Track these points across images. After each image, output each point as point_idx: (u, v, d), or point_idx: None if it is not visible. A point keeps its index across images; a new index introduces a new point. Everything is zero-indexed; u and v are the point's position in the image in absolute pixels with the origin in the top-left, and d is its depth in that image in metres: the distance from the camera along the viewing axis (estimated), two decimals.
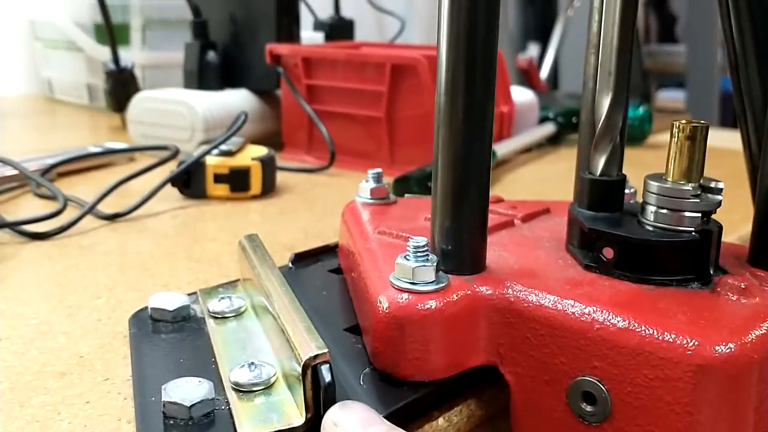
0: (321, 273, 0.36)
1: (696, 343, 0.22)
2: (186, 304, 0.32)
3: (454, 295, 0.26)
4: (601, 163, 0.29)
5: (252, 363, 0.26)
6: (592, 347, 0.24)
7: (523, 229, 0.33)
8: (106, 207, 0.49)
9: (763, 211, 0.28)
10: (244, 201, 0.54)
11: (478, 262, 0.27)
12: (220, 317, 0.31)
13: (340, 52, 0.66)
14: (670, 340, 0.23)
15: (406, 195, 0.41)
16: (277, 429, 0.23)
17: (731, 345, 0.22)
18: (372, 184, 0.37)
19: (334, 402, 0.23)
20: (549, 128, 0.78)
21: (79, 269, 0.40)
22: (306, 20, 0.83)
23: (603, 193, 0.29)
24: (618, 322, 0.24)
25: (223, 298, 0.32)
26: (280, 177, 0.59)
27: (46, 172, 0.55)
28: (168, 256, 0.42)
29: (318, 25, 0.89)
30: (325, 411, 0.23)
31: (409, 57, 0.60)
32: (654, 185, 0.27)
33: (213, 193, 0.54)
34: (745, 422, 0.23)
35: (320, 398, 0.23)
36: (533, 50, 1.78)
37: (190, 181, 0.54)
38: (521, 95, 0.77)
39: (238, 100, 0.70)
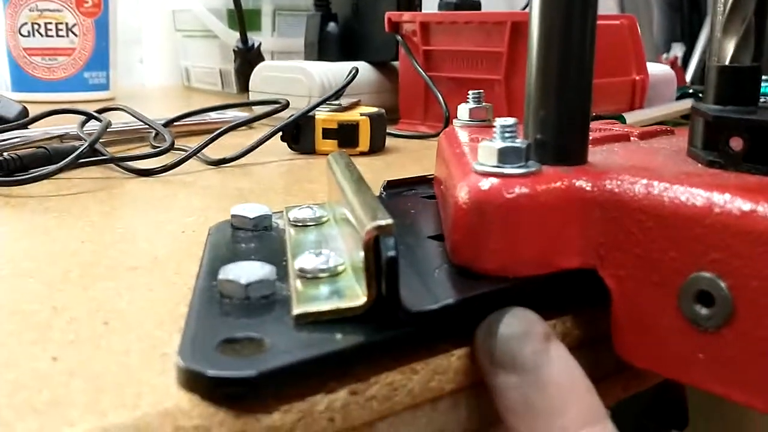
0: (413, 198, 0.34)
1: None
2: (268, 214, 0.30)
3: (547, 183, 0.22)
4: (731, 47, 0.25)
5: (320, 252, 0.24)
6: (711, 237, 0.20)
7: (639, 144, 0.29)
8: (216, 155, 0.48)
9: None
10: (352, 157, 0.53)
11: (579, 154, 0.24)
12: (300, 225, 0.29)
13: (458, 14, 0.63)
14: None
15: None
16: (336, 307, 0.21)
17: None
18: (471, 105, 0.34)
19: (396, 278, 0.20)
20: (686, 104, 0.72)
21: (177, 197, 0.39)
22: (432, 3, 0.81)
23: (733, 83, 0.25)
24: (743, 205, 0.19)
25: (305, 208, 0.30)
26: (392, 142, 0.57)
27: (164, 126, 0.56)
28: (266, 191, 0.41)
29: (443, 5, 0.87)
30: (387, 289, 0.20)
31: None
32: None
33: (321, 148, 0.53)
34: None
35: (382, 277, 0.20)
36: (677, 50, 1.68)
37: (299, 135, 0.53)
38: (657, 68, 0.71)
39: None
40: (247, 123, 0.51)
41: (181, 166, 0.45)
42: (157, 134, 0.54)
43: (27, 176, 0.39)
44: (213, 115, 0.64)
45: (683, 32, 1.83)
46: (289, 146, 0.53)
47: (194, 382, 0.18)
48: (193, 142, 0.49)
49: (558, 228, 0.22)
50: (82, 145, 0.46)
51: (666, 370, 0.21)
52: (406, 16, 0.66)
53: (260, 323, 0.20)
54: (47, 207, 0.36)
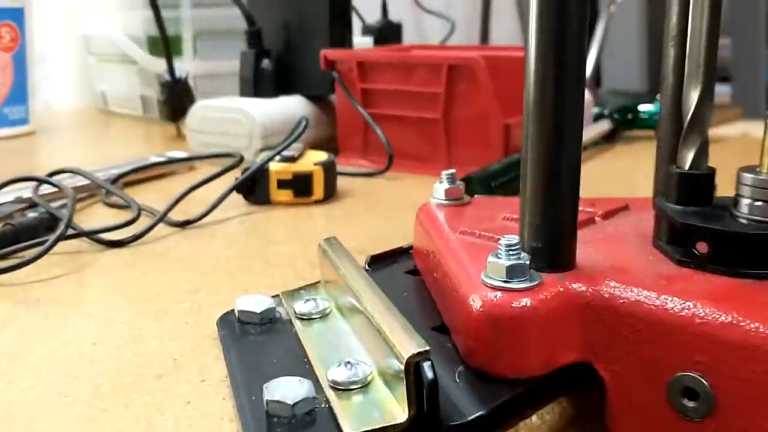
0: (398, 274, 0.36)
1: None
2: (272, 307, 0.32)
3: (548, 293, 0.26)
4: (690, 157, 0.29)
5: (348, 362, 0.26)
6: (694, 342, 0.24)
7: (605, 227, 0.33)
8: (174, 215, 0.49)
9: None
10: (307, 206, 0.55)
11: (570, 260, 0.27)
12: (306, 318, 0.32)
13: (394, 55, 0.66)
14: None
15: (474, 196, 0.41)
16: (381, 425, 0.23)
17: None
18: (446, 185, 0.37)
19: (437, 399, 0.23)
20: (604, 125, 0.77)
21: (157, 275, 0.40)
22: (354, 25, 0.83)
23: (693, 187, 0.29)
24: (721, 316, 0.23)
25: (307, 300, 0.33)
26: (339, 181, 0.60)
27: (113, 181, 0.56)
28: (243, 259, 0.43)
29: (366, 30, 0.89)
30: (428, 408, 0.23)
31: (466, 57, 0.60)
32: (749, 177, 0.27)
33: (276, 198, 0.55)
34: None
35: (423, 395, 0.23)
36: None
37: (254, 187, 0.54)
38: None
39: (293, 106, 0.71)
40: (208, 181, 0.52)
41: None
42: (107, 192, 0.55)
43: (15, 263, 0.39)
44: (153, 158, 0.64)
45: None
46: (244, 198, 0.55)
47: None
48: (140, 193, 0.50)
49: (560, 329, 0.26)
50: (43, 216, 0.46)
51: None
52: (342, 54, 0.68)
53: None
54: (37, 298, 0.37)
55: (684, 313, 0.24)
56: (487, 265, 0.26)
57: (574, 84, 0.26)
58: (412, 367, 0.23)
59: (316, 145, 0.65)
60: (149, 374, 0.29)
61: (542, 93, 0.26)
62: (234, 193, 0.54)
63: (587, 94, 0.78)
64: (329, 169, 0.56)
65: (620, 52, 1.88)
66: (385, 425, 0.23)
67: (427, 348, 0.23)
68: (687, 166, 0.29)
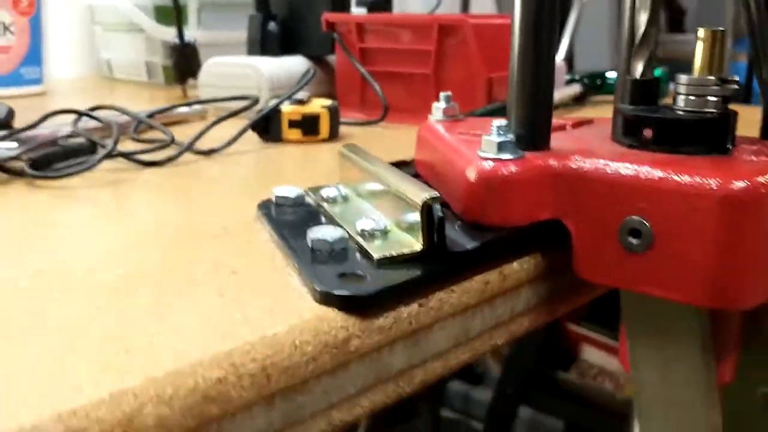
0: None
1: (719, 181, 0.30)
2: (303, 194, 0.39)
3: (529, 163, 0.33)
4: (640, 67, 0.36)
5: (371, 218, 0.33)
6: (638, 193, 0.31)
7: (574, 132, 0.41)
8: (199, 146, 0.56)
9: None
10: (314, 143, 0.62)
11: (546, 143, 0.35)
12: (331, 201, 0.39)
13: (390, 17, 0.73)
14: (700, 181, 0.30)
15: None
16: (401, 252, 0.31)
17: (746, 182, 0.30)
18: (444, 105, 0.44)
19: (444, 232, 0.30)
20: (575, 88, 0.85)
21: (193, 186, 0.47)
22: None
23: (642, 91, 0.36)
24: (658, 173, 0.31)
25: (330, 188, 0.40)
26: (340, 129, 0.67)
27: (140, 122, 0.63)
28: (266, 177, 0.50)
29: (360, 2, 0.96)
30: (438, 240, 0.30)
31: (455, 17, 0.68)
32: (684, 77, 0.34)
33: (287, 136, 0.62)
34: (759, 244, 0.30)
35: (433, 230, 0.30)
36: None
37: (268, 126, 0.61)
38: None
39: (297, 64, 0.78)
40: (229, 117, 0.59)
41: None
42: (137, 127, 0.61)
43: (70, 170, 0.46)
44: (181, 109, 0.71)
45: None
46: (259, 135, 0.62)
47: (330, 299, 0.27)
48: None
49: (537, 192, 0.33)
50: (84, 144, 0.53)
51: (611, 281, 0.33)
52: (342, 17, 0.76)
53: (353, 266, 0.30)
54: (100, 198, 0.44)
55: (631, 173, 0.32)
56: (482, 142, 0.34)
57: (550, 22, 0.33)
58: (426, 208, 0.30)
59: None
60: (211, 234, 0.36)
61: (527, 32, 0.33)
62: (249, 132, 0.61)
63: (560, 61, 0.86)
64: (334, 112, 0.63)
65: (591, 38, 1.97)
66: (404, 252, 0.31)
67: (438, 194, 0.30)
68: (638, 75, 0.36)
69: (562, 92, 0.82)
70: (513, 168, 0.33)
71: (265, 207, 0.39)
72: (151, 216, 0.40)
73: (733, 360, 0.37)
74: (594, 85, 0.87)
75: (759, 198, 0.30)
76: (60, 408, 0.20)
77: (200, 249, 0.34)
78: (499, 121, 0.34)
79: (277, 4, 0.81)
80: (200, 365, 0.23)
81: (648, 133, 0.34)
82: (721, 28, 0.34)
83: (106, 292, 0.29)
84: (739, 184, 0.29)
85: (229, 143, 0.57)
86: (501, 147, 0.33)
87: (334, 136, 0.63)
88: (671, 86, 0.48)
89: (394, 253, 0.31)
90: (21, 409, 0.20)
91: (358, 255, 0.31)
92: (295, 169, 0.53)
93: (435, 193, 0.30)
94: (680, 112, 0.34)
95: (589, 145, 0.36)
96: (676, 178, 0.30)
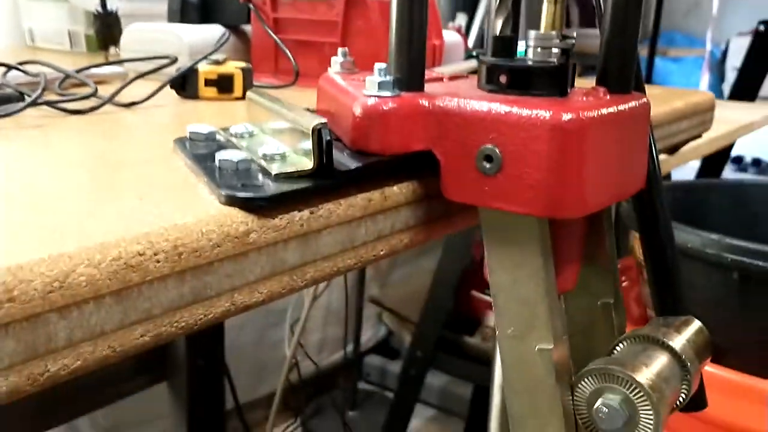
0: None
1: (552, 113, 0.37)
2: (215, 131, 0.45)
3: (405, 100, 0.40)
4: (499, 24, 0.43)
5: (272, 146, 0.39)
6: (491, 126, 0.38)
7: (448, 83, 0.48)
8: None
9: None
10: (229, 101, 0.67)
11: (420, 85, 0.42)
12: (239, 136, 0.44)
13: None
14: (537, 114, 0.37)
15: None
16: (295, 170, 0.37)
17: (572, 115, 0.37)
18: (341, 59, 0.51)
19: (331, 153, 0.36)
20: (472, 63, 0.93)
21: (118, 129, 0.52)
22: None
23: (501, 45, 0.43)
24: (505, 107, 0.38)
25: (238, 126, 0.45)
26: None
27: (67, 76, 0.67)
28: (183, 125, 0.55)
29: None
30: (326, 160, 0.36)
31: None
32: (532, 33, 0.42)
33: (204, 94, 0.67)
34: (584, 164, 0.37)
35: (323, 151, 0.37)
36: (461, 20, 1.94)
37: (185, 84, 0.66)
38: (449, 35, 0.91)
39: (214, 32, 0.83)
40: (149, 73, 0.64)
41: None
42: (62, 82, 0.65)
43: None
44: (104, 69, 0.75)
45: (465, 4, 2.10)
46: (177, 92, 0.67)
47: (234, 201, 0.33)
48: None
49: (412, 126, 0.40)
50: (12, 93, 0.57)
51: (471, 199, 0.40)
52: None
53: (254, 179, 0.36)
54: (32, 136, 0.48)
55: (486, 109, 0.39)
56: (365, 82, 0.40)
57: None
58: (316, 132, 0.36)
59: None
60: (139, 160, 0.41)
61: None
62: (168, 90, 0.66)
63: (459, 38, 0.93)
64: (247, 73, 0.68)
65: None
66: (298, 170, 0.37)
67: (325, 121, 0.37)
68: (497, 32, 0.43)
69: (460, 66, 0.90)
70: (391, 104, 0.39)
71: (180, 142, 0.45)
72: (78, 150, 0.45)
73: (574, 269, 0.44)
74: None
75: (582, 127, 0.37)
76: (10, 263, 0.26)
77: (123, 172, 0.39)
78: (381, 65, 0.40)
79: None
80: (123, 240, 0.29)
81: (503, 78, 0.41)
82: None
83: (43, 199, 0.34)
84: (567, 116, 0.37)
85: (149, 97, 0.62)
86: (381, 86, 0.40)
87: None
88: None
89: (289, 170, 0.37)
90: None
91: (260, 175, 0.37)
92: (210, 117, 0.58)
93: (323, 120, 0.37)
94: (529, 62, 0.42)
95: (458, 91, 0.43)
96: (518, 111, 0.38)
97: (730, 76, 3.42)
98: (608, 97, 0.41)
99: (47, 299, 0.26)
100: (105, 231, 0.29)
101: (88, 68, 0.70)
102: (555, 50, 0.41)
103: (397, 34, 0.41)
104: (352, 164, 0.38)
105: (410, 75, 0.41)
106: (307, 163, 0.37)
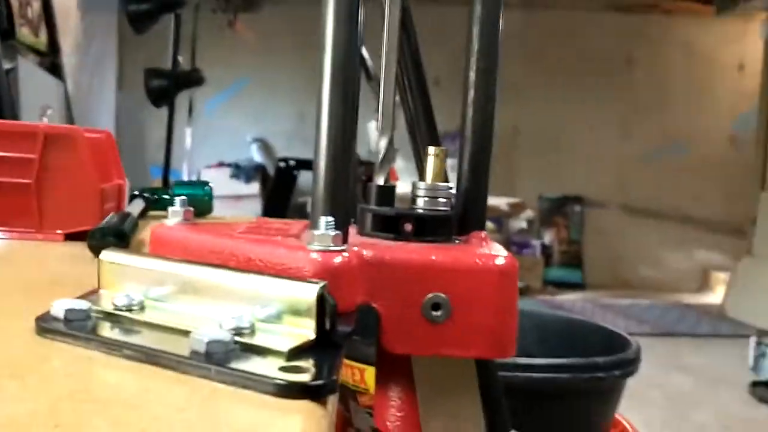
0: None
1: (496, 259, 0.39)
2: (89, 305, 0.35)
3: (353, 253, 0.38)
4: (383, 177, 0.45)
5: (227, 315, 0.33)
6: (438, 274, 0.39)
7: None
8: None
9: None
10: None
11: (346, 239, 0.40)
12: (130, 309, 0.35)
13: None
14: (478, 261, 0.39)
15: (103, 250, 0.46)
16: (299, 342, 0.32)
17: (508, 259, 0.40)
18: (179, 208, 0.44)
19: (335, 318, 0.33)
20: (140, 204, 0.87)
21: None
22: None
23: (386, 196, 0.44)
24: (449, 256, 0.39)
25: (117, 296, 0.36)
26: None
27: None
28: None
29: None
30: (331, 327, 0.32)
31: (66, 127, 0.64)
32: (422, 184, 0.44)
33: None
34: (511, 304, 0.41)
35: (327, 317, 0.32)
36: None
37: None
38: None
39: None
40: None
41: None
42: None
43: None
44: None
45: None
46: None
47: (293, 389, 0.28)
48: None
49: (350, 281, 0.38)
50: None
51: (416, 350, 0.39)
52: None
53: (261, 361, 0.30)
54: None
55: (424, 259, 0.39)
56: (315, 237, 0.37)
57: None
58: (319, 297, 0.32)
59: None
60: None
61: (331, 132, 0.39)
62: None
63: (125, 181, 0.87)
64: None
65: None
66: (303, 342, 0.32)
67: (325, 282, 0.33)
68: (382, 182, 0.45)
69: (134, 206, 0.83)
70: (343, 256, 0.37)
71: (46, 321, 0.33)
72: None
73: None
74: (152, 201, 0.90)
75: (515, 270, 0.40)
76: None
77: None
78: (328, 218, 0.37)
79: None
80: None
81: (408, 227, 0.42)
82: (444, 148, 0.45)
83: None
84: (502, 261, 0.40)
85: None
86: (333, 239, 0.37)
87: None
88: None
89: (296, 344, 0.32)
90: None
91: (254, 356, 0.31)
92: None
93: (322, 283, 0.33)
94: (424, 210, 0.44)
95: (361, 241, 0.42)
96: (465, 258, 0.39)
97: None
98: (493, 242, 0.45)
99: None
100: None
101: None
102: (441, 199, 0.44)
103: (325, 190, 0.39)
104: (343, 326, 0.35)
105: (343, 222, 0.39)
106: (305, 333, 0.32)
